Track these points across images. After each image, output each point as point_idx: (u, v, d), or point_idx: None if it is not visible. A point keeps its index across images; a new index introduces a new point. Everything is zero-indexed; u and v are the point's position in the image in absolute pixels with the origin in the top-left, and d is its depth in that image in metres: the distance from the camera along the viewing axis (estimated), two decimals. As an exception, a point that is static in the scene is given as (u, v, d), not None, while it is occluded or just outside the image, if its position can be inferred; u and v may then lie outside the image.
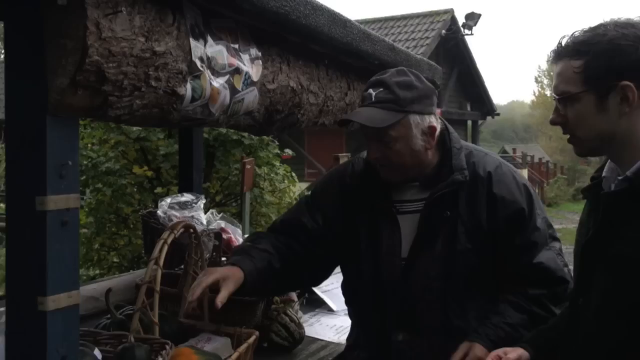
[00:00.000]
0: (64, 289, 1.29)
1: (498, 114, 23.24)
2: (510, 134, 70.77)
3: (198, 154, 3.15)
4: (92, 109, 1.31)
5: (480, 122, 22.87)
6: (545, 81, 52.59)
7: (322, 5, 1.91)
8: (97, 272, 5.58)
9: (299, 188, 7.16)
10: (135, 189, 5.75)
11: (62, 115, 1.26)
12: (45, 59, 1.21)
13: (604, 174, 1.57)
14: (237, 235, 2.93)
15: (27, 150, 1.25)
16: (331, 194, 2.14)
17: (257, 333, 2.21)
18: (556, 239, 2.01)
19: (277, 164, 6.17)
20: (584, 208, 1.68)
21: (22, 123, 1.25)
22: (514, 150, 35.35)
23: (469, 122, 22.63)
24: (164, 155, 5.53)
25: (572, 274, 1.72)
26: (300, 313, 2.71)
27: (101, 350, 1.80)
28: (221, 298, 1.83)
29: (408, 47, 15.65)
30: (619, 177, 1.48)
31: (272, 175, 6.02)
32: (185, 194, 2.82)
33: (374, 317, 2.02)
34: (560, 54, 1.52)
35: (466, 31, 19.42)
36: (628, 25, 1.45)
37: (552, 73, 1.58)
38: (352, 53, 2.22)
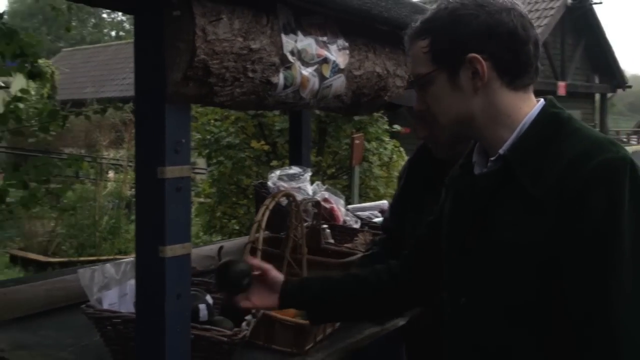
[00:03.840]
0: (178, 241, 1.59)
1: (630, 87, 22.05)
2: (649, 106, 66.48)
3: (307, 130, 3.42)
4: (201, 96, 1.61)
5: (609, 95, 21.83)
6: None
7: (403, -2, 2.10)
8: (219, 238, 6.06)
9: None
10: (253, 162, 6.16)
11: (177, 103, 1.56)
12: (165, 58, 1.51)
13: (474, 159, 1.46)
14: (339, 205, 3.18)
15: (151, 131, 1.56)
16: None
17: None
18: None
19: (386, 139, 6.37)
20: (442, 200, 1.58)
21: (147, 109, 1.56)
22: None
23: (597, 96, 21.67)
24: (280, 130, 5.88)
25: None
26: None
27: (212, 297, 2.14)
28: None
29: (531, 19, 15.21)
30: (492, 158, 1.37)
31: (380, 150, 6.21)
32: (293, 167, 3.05)
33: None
34: (411, 36, 1.43)
35: (595, 0, 18.56)
36: None
37: None
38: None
